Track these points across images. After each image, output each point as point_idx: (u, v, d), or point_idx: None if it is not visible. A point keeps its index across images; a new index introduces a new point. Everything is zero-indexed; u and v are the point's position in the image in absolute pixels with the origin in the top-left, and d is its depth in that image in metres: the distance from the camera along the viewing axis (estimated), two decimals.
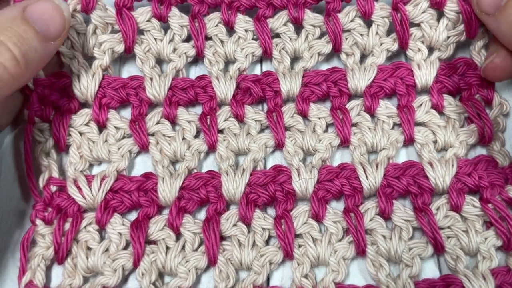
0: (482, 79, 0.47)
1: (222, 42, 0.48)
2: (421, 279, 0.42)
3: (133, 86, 0.47)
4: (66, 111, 0.46)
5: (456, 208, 0.43)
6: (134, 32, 0.47)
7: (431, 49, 0.48)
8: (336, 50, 0.48)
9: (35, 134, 0.45)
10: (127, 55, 0.48)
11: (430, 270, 0.44)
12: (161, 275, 0.43)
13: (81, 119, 0.46)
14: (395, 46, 0.48)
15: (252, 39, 0.48)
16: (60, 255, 0.42)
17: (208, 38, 0.48)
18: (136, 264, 0.42)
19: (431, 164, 0.44)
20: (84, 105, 0.47)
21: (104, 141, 0.46)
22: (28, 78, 0.40)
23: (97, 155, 0.45)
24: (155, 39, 0.47)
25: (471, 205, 0.44)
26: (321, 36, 0.48)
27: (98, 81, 0.46)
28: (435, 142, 0.46)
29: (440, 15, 0.47)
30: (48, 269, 0.43)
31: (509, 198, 0.44)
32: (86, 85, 0.46)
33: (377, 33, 0.47)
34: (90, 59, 0.47)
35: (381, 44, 0.48)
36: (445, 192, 0.44)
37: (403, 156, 0.47)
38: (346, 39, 0.48)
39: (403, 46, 0.47)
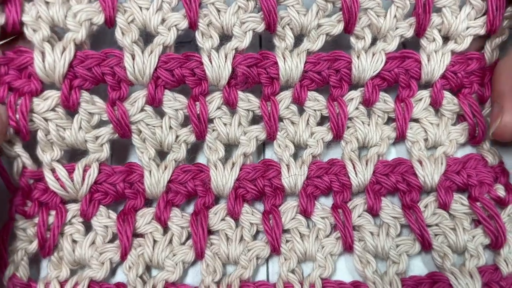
0: (484, 77, 0.45)
1: (218, 11, 0.42)
2: (408, 276, 0.43)
3: (110, 65, 0.41)
4: (25, 94, 0.40)
5: (444, 206, 0.43)
6: None
7: (445, 40, 0.44)
8: (347, 31, 0.43)
9: None
10: (110, 28, 0.41)
11: (417, 267, 0.44)
12: (148, 268, 0.43)
13: (45, 104, 0.40)
14: (410, 32, 0.43)
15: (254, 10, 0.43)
16: (47, 251, 0.41)
17: (202, 7, 0.42)
18: (123, 257, 0.42)
19: (420, 162, 0.44)
20: (48, 85, 0.41)
21: (79, 128, 0.41)
22: None
23: (72, 143, 0.42)
24: (140, 7, 0.41)
25: (459, 203, 0.44)
26: (331, 14, 0.43)
27: (68, 59, 0.40)
28: (425, 139, 0.45)
29: (462, 3, 0.43)
30: (37, 262, 0.43)
31: (498, 197, 0.44)
32: (53, 64, 0.39)
33: (395, 16, 0.43)
34: (59, 33, 0.41)
35: (396, 28, 0.43)
36: (434, 190, 0.44)
37: (393, 153, 0.47)
38: (360, 19, 0.43)
39: (420, 32, 0.43)
